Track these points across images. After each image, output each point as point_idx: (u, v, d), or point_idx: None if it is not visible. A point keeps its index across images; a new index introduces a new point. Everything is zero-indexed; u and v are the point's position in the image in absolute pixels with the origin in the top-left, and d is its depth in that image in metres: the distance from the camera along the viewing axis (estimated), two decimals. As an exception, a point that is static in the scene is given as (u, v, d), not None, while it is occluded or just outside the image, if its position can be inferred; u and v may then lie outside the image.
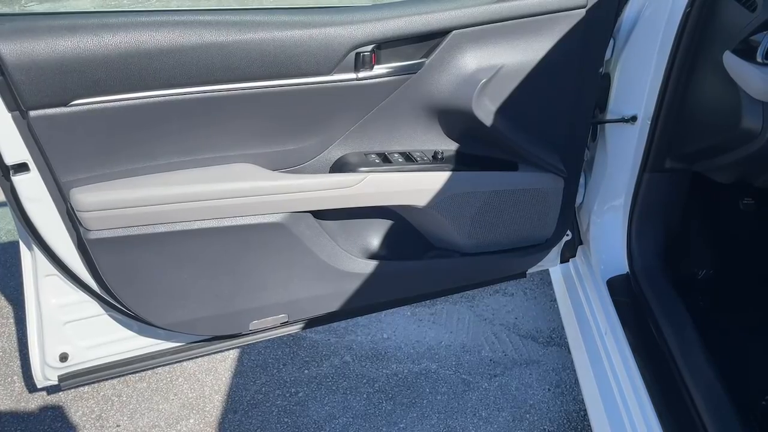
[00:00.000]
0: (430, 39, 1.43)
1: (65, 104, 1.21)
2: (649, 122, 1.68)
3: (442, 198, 1.57)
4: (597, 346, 1.85)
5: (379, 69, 1.41)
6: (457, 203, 1.60)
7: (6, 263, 2.84)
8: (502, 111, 1.54)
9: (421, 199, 1.56)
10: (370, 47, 1.37)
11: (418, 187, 1.54)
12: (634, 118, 1.74)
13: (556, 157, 1.68)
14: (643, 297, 1.78)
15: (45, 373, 1.61)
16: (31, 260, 1.50)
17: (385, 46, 1.40)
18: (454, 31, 1.43)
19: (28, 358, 1.61)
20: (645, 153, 1.74)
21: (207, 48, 1.24)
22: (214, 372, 2.25)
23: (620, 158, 1.84)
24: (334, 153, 1.53)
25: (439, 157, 1.56)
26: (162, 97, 1.26)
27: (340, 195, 1.46)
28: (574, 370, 2.22)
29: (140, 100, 1.25)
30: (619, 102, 1.80)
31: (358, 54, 1.37)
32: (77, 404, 2.15)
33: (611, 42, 1.73)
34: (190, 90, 1.28)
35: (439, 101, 1.50)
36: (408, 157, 1.56)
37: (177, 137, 1.34)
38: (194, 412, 2.12)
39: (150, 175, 1.35)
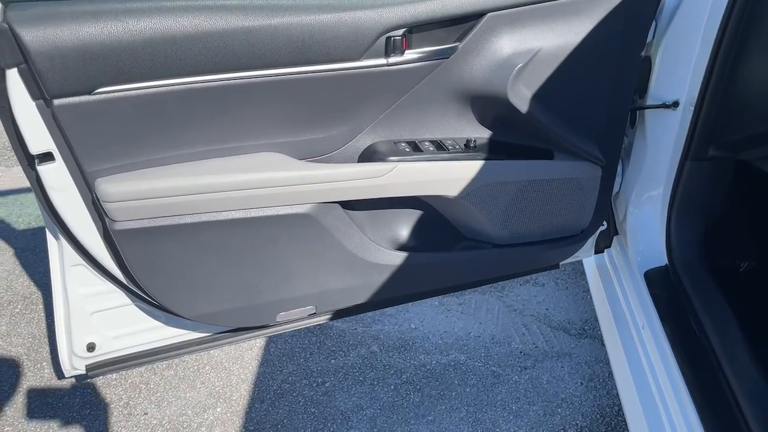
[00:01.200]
0: (463, 22, 1.37)
1: (90, 92, 1.18)
2: (692, 108, 1.60)
3: (474, 188, 1.51)
4: (633, 341, 1.79)
5: (411, 54, 1.36)
6: (490, 193, 1.54)
7: (35, 249, 2.85)
8: (538, 97, 1.48)
9: (452, 189, 1.50)
10: (401, 31, 1.32)
11: (450, 177, 1.48)
12: (675, 104, 1.66)
13: (593, 144, 1.61)
14: (682, 290, 1.72)
15: (72, 362, 1.60)
16: (57, 250, 1.49)
17: (416, 30, 1.35)
18: (489, 14, 1.37)
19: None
20: (687, 140, 1.67)
21: (233, 33, 1.20)
22: (241, 361, 2.24)
23: (660, 146, 1.76)
24: (363, 141, 1.49)
25: (472, 145, 1.50)
26: (188, 85, 1.23)
27: (369, 185, 1.42)
28: (608, 363, 2.16)
29: (165, 88, 1.22)
30: (660, 87, 1.72)
31: (388, 38, 1.32)
32: (105, 391, 2.16)
33: (652, 23, 1.65)
34: (216, 77, 1.24)
35: (472, 87, 1.44)
36: (439, 146, 1.51)
37: (203, 126, 1.30)
38: (221, 400, 2.11)
39: (176, 164, 1.32)
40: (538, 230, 1.68)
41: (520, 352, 2.21)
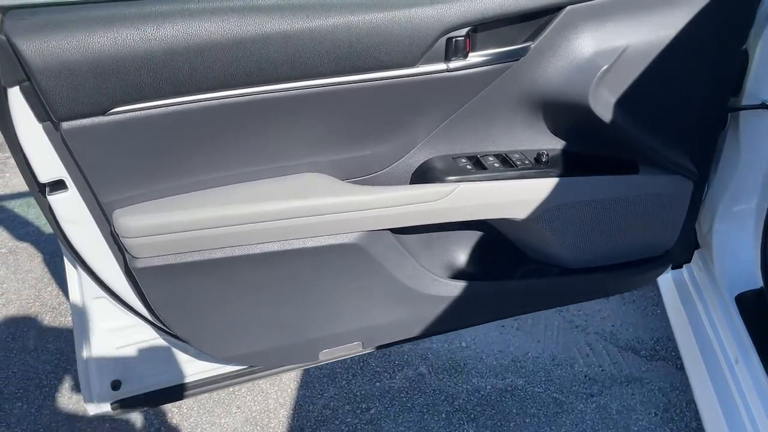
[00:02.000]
0: (537, 17, 1.16)
1: (103, 113, 1.01)
2: None
3: (546, 209, 1.31)
4: (725, 376, 1.57)
5: (475, 57, 1.15)
6: (565, 214, 1.33)
7: (57, 253, 2.74)
8: (624, 102, 1.26)
9: (521, 212, 1.30)
10: (464, 31, 1.11)
11: (519, 198, 1.28)
12: (777, 104, 1.43)
13: (684, 155, 1.39)
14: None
15: (96, 401, 1.45)
16: (77, 280, 1.34)
17: (481, 29, 1.14)
18: (568, 7, 1.15)
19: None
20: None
21: (268, 39, 1.01)
22: (279, 383, 2.08)
23: (756, 153, 1.52)
24: (417, 157, 1.29)
25: (543, 159, 1.29)
26: (216, 101, 1.05)
27: (425, 210, 1.22)
28: (684, 391, 1.94)
29: (191, 105, 1.04)
30: (759, 84, 1.48)
31: (449, 39, 1.11)
32: (136, 416, 2.03)
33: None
34: (249, 90, 1.05)
35: (545, 93, 1.23)
36: (505, 161, 1.30)
37: (234, 146, 1.13)
38: (258, 427, 1.95)
39: (204, 191, 1.15)
40: (615, 252, 1.46)
41: (585, 376, 2.01)
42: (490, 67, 1.17)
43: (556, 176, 1.29)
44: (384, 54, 1.08)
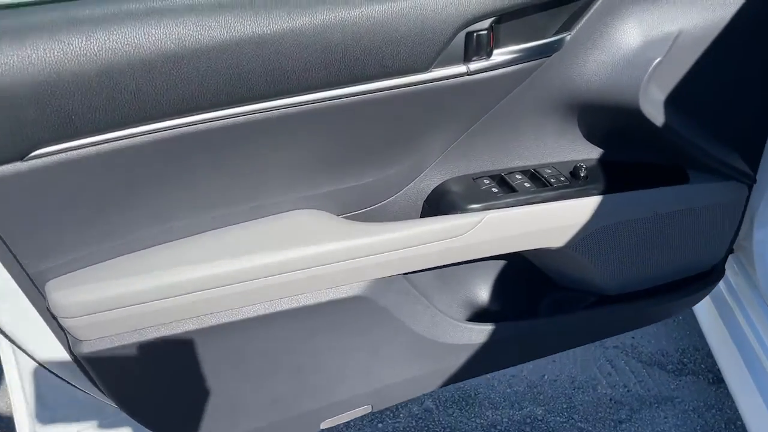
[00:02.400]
0: (573, 1, 0.93)
1: (21, 158, 0.74)
2: None
3: (587, 233, 1.08)
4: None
5: (500, 54, 0.92)
6: (608, 237, 1.11)
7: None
8: (676, 99, 1.04)
9: (560, 239, 1.07)
10: (487, 23, 0.87)
11: (557, 224, 1.05)
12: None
13: (737, 155, 1.18)
14: None
15: None
16: (11, 353, 1.08)
17: (507, 19, 0.90)
18: (613, -14, 0.93)
19: None
20: None
21: (238, 47, 0.76)
22: None
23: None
24: (430, 180, 1.05)
25: (582, 174, 1.06)
26: (172, 131, 0.79)
27: (447, 248, 0.99)
28: (721, 410, 1.75)
29: (139, 139, 0.78)
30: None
31: (469, 35, 0.87)
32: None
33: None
34: (215, 115, 0.80)
35: (583, 93, 1.00)
36: (535, 177, 1.07)
37: (198, 186, 0.87)
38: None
39: (162, 246, 0.89)
40: (662, 273, 1.25)
41: (610, 399, 1.80)
42: (518, 66, 0.93)
43: (598, 193, 1.06)
44: (389, 57, 0.84)
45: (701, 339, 1.83)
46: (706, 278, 1.31)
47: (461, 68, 0.90)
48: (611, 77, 0.97)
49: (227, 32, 0.75)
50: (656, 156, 1.13)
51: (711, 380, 1.82)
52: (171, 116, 0.78)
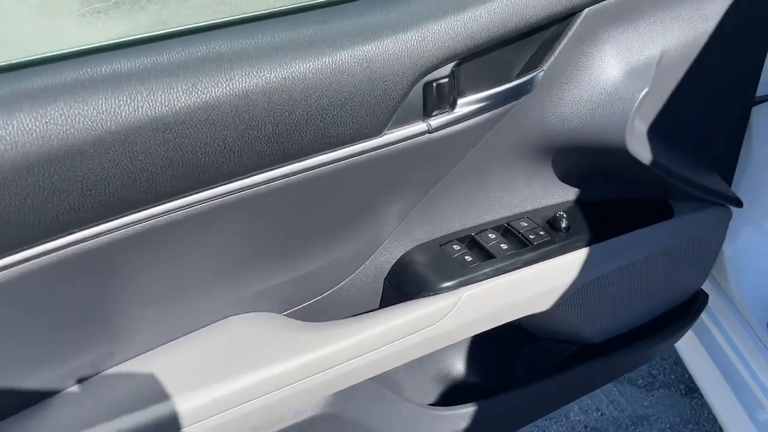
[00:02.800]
0: (544, 29, 0.77)
1: None
2: None
3: (574, 291, 0.93)
4: (777, 427, 1.29)
5: (465, 104, 0.75)
6: (594, 289, 0.97)
7: None
8: (660, 130, 0.90)
9: (545, 303, 0.92)
10: (447, 68, 0.70)
11: (541, 289, 0.90)
12: (800, 89, 1.13)
13: (721, 180, 1.06)
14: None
15: None
16: None
17: (470, 60, 0.73)
18: (586, 10, 0.77)
19: None
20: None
21: (130, 136, 0.55)
22: None
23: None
24: (390, 252, 0.87)
25: (563, 225, 0.91)
26: (60, 251, 0.58)
27: (421, 341, 0.81)
28: (698, 423, 1.68)
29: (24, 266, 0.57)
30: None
31: (428, 86, 0.70)
32: None
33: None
34: (106, 228, 0.59)
35: (559, 135, 0.85)
36: (509, 232, 0.91)
37: (101, 310, 0.66)
38: None
39: (49, 402, 0.67)
40: (648, 311, 1.12)
41: (585, 427, 1.69)
42: (486, 115, 0.77)
43: (583, 245, 0.92)
44: (332, 125, 0.65)
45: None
46: (691, 307, 1.19)
47: (421, 126, 0.72)
48: (592, 115, 0.82)
49: (115, 119, 0.55)
50: (639, 191, 1.00)
51: (683, 391, 1.74)
52: (54, 235, 0.57)
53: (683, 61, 0.87)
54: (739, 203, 1.08)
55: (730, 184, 1.13)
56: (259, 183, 0.65)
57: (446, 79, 0.71)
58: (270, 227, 0.72)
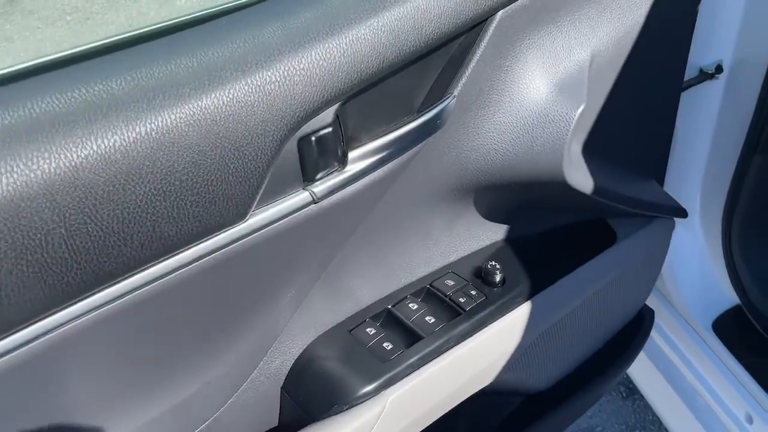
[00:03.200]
0: (449, 43, 0.58)
1: None
2: (762, 68, 0.97)
3: (518, 354, 0.76)
4: (737, 439, 1.19)
5: (358, 159, 0.55)
6: (539, 343, 0.80)
7: None
8: (595, 148, 0.74)
9: (486, 377, 0.74)
10: (330, 113, 0.50)
11: (481, 365, 0.71)
12: (719, 69, 1.02)
13: (660, 189, 0.93)
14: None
15: None
16: None
17: (356, 97, 0.53)
18: (500, 13, 0.59)
19: None
20: (756, 120, 1.03)
21: None
22: None
23: (695, 140, 1.12)
24: (285, 353, 0.66)
25: (497, 279, 0.73)
26: None
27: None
28: (644, 428, 1.58)
29: None
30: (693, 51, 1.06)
31: (305, 141, 0.50)
32: None
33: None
34: None
35: (481, 173, 0.67)
36: (434, 296, 0.73)
37: None
38: None
39: None
40: (595, 344, 0.97)
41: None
42: (387, 167, 0.57)
43: (524, 298, 0.74)
44: (169, 222, 0.44)
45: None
46: (639, 327, 1.05)
47: (302, 196, 0.52)
48: (520, 145, 0.64)
49: None
50: (576, 216, 0.84)
51: (624, 394, 1.64)
52: None
53: (616, 61, 0.71)
54: (684, 213, 0.95)
55: (662, 183, 1.00)
56: (87, 311, 0.44)
57: (329, 129, 0.51)
58: (117, 357, 0.50)
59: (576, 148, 0.70)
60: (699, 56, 0.99)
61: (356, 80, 0.50)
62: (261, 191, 0.48)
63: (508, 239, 0.80)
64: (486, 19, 0.58)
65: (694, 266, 1.24)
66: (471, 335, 0.69)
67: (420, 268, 0.73)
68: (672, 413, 1.38)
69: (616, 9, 0.68)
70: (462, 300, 0.70)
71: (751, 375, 1.14)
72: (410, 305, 0.70)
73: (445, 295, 0.71)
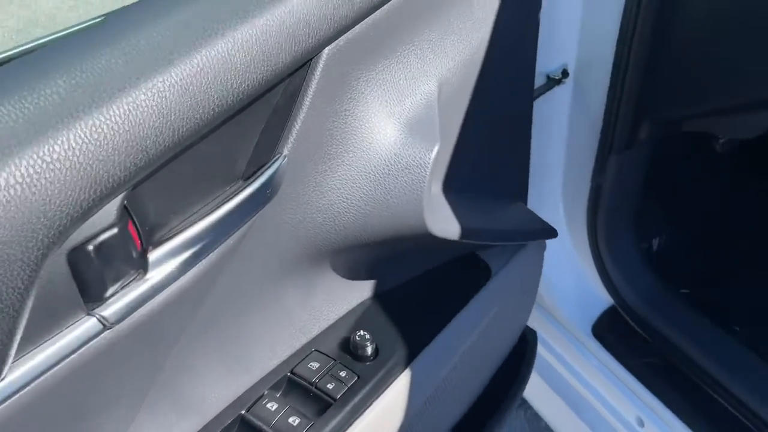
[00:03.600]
0: (269, 92, 0.46)
1: None
2: (606, 67, 0.94)
3: (407, 425, 0.66)
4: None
5: (164, 258, 0.41)
6: (428, 406, 0.70)
7: None
8: (456, 187, 0.65)
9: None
10: (114, 206, 0.37)
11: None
12: (564, 74, 0.99)
13: (528, 211, 0.86)
14: (665, 340, 1.12)
15: None
16: None
17: (150, 177, 0.40)
18: (326, 50, 0.48)
19: None
20: (607, 120, 1.01)
21: None
22: None
23: (548, 146, 1.09)
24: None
25: (368, 351, 0.62)
26: None
27: None
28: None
29: None
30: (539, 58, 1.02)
31: (78, 254, 0.36)
32: None
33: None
34: None
35: (331, 235, 0.56)
36: (296, 385, 0.60)
37: None
38: None
39: None
40: (485, 378, 0.89)
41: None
42: (209, 258, 0.44)
43: (402, 366, 0.64)
44: None
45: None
46: (524, 352, 1.00)
47: (88, 324, 0.38)
48: (373, 200, 0.54)
49: None
50: (445, 257, 0.75)
51: (529, 416, 1.60)
52: None
53: (465, 86, 0.63)
54: (554, 233, 0.89)
55: (525, 198, 0.95)
56: None
57: (114, 230, 0.37)
58: None
59: (436, 192, 0.61)
60: (544, 63, 0.95)
61: (141, 160, 0.37)
62: (17, 337, 0.34)
63: (376, 296, 0.69)
64: (314, 57, 0.47)
65: (566, 274, 1.21)
66: (347, 428, 0.57)
67: (280, 349, 0.61)
68: (564, 425, 1.36)
69: (458, 30, 0.60)
70: (330, 386, 0.59)
71: (636, 378, 1.13)
72: (268, 405, 0.57)
73: (310, 383, 0.59)
